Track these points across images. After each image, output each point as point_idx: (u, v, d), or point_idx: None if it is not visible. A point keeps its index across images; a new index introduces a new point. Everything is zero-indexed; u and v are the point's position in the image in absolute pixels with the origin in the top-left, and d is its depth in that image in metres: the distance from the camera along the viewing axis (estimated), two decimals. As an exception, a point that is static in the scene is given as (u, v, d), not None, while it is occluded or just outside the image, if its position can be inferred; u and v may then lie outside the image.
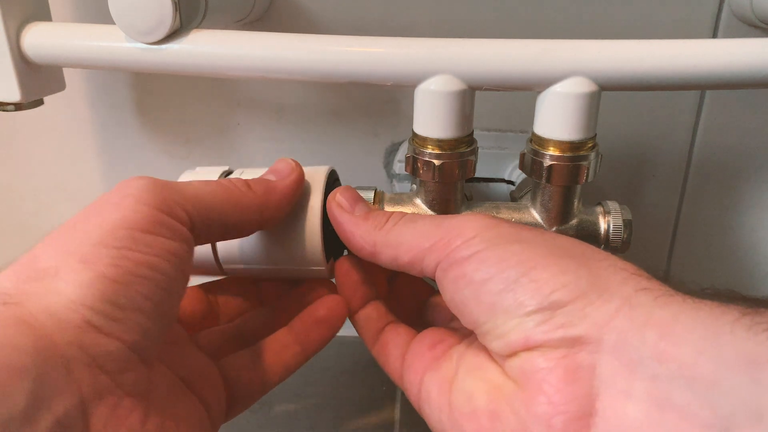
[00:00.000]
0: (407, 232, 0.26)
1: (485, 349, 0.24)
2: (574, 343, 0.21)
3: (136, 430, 0.20)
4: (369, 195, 0.32)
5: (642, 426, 0.19)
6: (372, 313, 0.31)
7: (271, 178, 0.29)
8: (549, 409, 0.20)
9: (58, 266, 0.21)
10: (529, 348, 0.21)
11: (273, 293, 0.33)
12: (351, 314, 0.31)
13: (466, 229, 0.24)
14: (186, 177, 0.32)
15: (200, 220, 0.24)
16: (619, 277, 0.22)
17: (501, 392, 0.22)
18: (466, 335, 0.27)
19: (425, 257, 0.25)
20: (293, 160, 0.30)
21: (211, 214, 0.25)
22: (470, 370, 0.24)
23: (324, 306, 0.30)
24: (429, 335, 0.28)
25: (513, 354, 0.22)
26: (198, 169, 0.33)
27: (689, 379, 0.18)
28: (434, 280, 0.26)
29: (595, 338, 0.20)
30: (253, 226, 0.28)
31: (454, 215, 0.27)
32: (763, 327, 0.17)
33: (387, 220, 0.27)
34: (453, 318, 0.31)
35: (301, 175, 0.29)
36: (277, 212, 0.28)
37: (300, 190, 0.29)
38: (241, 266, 0.31)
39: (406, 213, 0.28)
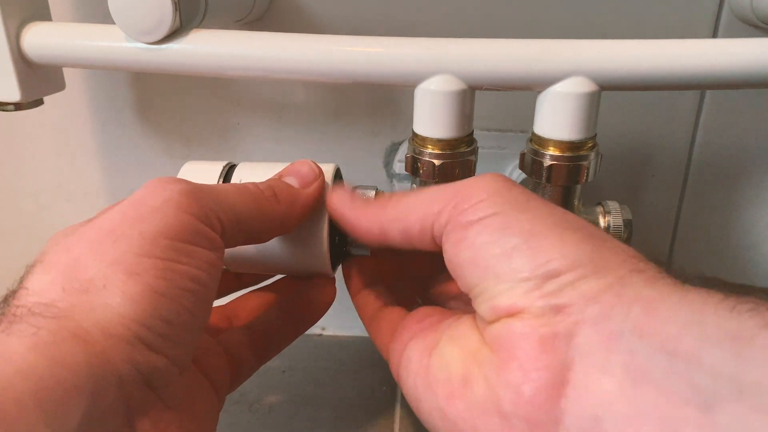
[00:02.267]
0: (414, 200, 0.26)
1: (472, 319, 0.24)
2: (556, 311, 0.20)
3: None
4: (370, 194, 0.32)
5: (615, 399, 0.18)
6: (370, 294, 0.31)
7: (294, 182, 0.28)
8: (520, 376, 0.20)
9: (105, 277, 0.20)
10: (511, 313, 0.21)
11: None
12: (352, 295, 0.32)
13: (477, 191, 0.24)
14: (187, 168, 0.31)
15: (230, 229, 0.24)
16: (619, 258, 0.21)
17: (475, 357, 0.22)
18: (457, 313, 0.27)
19: (435, 222, 0.24)
20: (314, 162, 0.29)
21: (241, 223, 0.25)
22: (452, 338, 0.24)
23: (314, 290, 0.31)
24: (422, 311, 0.28)
25: (496, 319, 0.22)
26: (197, 162, 0.32)
27: (670, 354, 0.18)
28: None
29: (578, 309, 0.20)
30: (273, 234, 0.27)
31: (464, 179, 0.25)
32: (748, 306, 0.17)
33: (389, 199, 0.27)
34: (454, 297, 0.31)
35: (323, 182, 0.29)
36: (299, 221, 0.28)
37: (320, 198, 0.29)
38: (245, 268, 0.31)
39: (409, 190, 0.28)
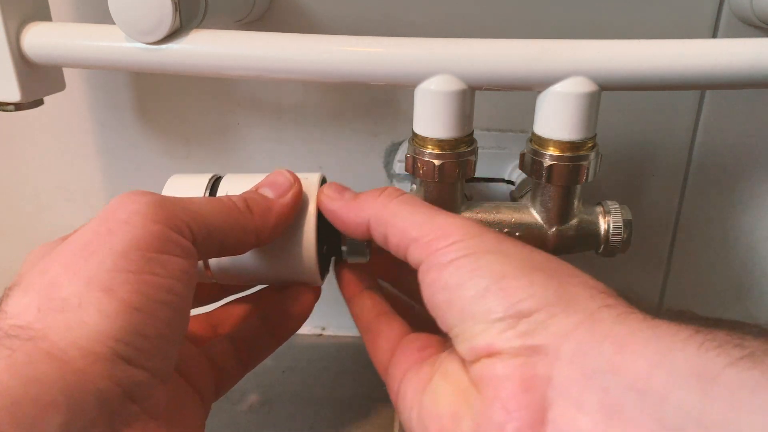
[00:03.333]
0: (402, 214, 0.26)
1: (459, 357, 0.25)
2: (533, 352, 0.21)
3: None
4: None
5: None
6: (367, 300, 0.31)
7: (269, 193, 0.28)
8: (503, 416, 0.21)
9: (80, 295, 0.20)
10: (490, 354, 0.22)
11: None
12: (347, 299, 0.32)
13: (452, 233, 0.25)
14: (172, 182, 0.31)
15: (201, 237, 0.24)
16: (587, 294, 0.22)
17: (463, 396, 0.23)
18: (451, 345, 0.27)
19: (409, 247, 0.25)
20: (290, 172, 0.29)
21: (212, 233, 0.25)
22: (444, 375, 0.25)
23: (294, 300, 0.31)
24: (421, 338, 0.29)
25: (477, 359, 0.23)
26: (181, 175, 0.32)
27: (641, 391, 0.18)
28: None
29: (554, 348, 0.21)
30: (249, 246, 0.27)
31: (446, 214, 0.26)
32: (714, 344, 0.18)
33: (381, 193, 0.27)
34: None
35: (300, 190, 0.29)
36: (275, 233, 0.28)
37: (298, 206, 0.29)
38: (234, 278, 0.31)
39: (404, 193, 0.28)
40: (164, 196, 0.24)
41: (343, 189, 0.29)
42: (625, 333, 0.20)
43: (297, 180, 0.29)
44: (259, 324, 0.31)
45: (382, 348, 0.30)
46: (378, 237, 0.27)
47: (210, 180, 0.30)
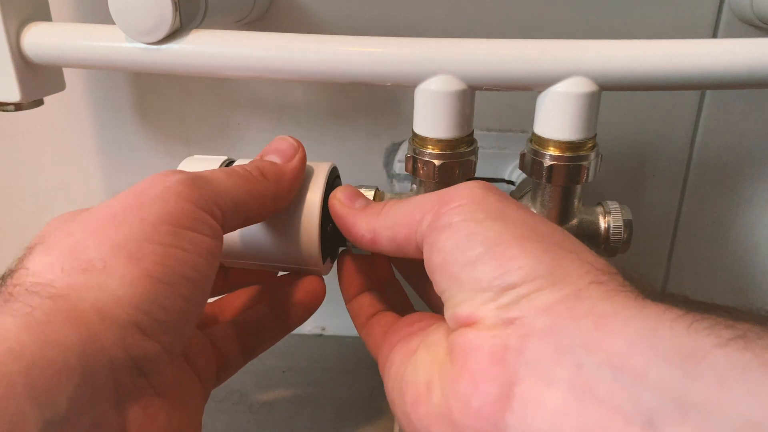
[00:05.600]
0: (402, 209, 0.26)
1: (447, 327, 0.24)
2: (508, 324, 0.20)
3: (164, 429, 0.21)
4: (369, 194, 0.32)
5: (558, 415, 0.18)
6: (364, 300, 0.31)
7: (276, 159, 0.28)
8: (470, 388, 0.20)
9: (105, 259, 0.20)
10: (469, 324, 0.21)
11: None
12: (346, 302, 0.32)
13: (455, 197, 0.24)
14: (186, 165, 0.31)
15: (229, 214, 0.24)
16: (581, 270, 0.21)
17: (439, 365, 0.22)
18: (441, 318, 0.27)
19: (417, 229, 0.25)
20: (293, 138, 0.29)
21: (238, 207, 0.25)
22: (427, 345, 0.24)
23: (303, 289, 0.31)
24: (415, 315, 0.28)
25: (456, 327, 0.22)
26: (197, 156, 0.32)
27: (616, 369, 0.17)
28: None
29: (530, 322, 0.20)
30: (267, 214, 0.28)
31: (448, 187, 0.26)
32: (704, 325, 0.17)
33: (384, 206, 0.27)
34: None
35: (304, 153, 0.29)
36: (289, 196, 0.28)
37: (304, 170, 0.29)
38: (238, 261, 0.31)
39: (404, 198, 0.28)
40: (195, 175, 0.24)
41: (354, 196, 0.29)
42: (608, 310, 0.19)
43: (299, 143, 0.29)
44: (265, 311, 0.31)
45: (375, 334, 0.30)
46: (386, 242, 0.27)
47: (223, 163, 0.31)
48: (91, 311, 0.19)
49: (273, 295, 0.32)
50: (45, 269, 0.20)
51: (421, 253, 0.25)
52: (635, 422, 0.16)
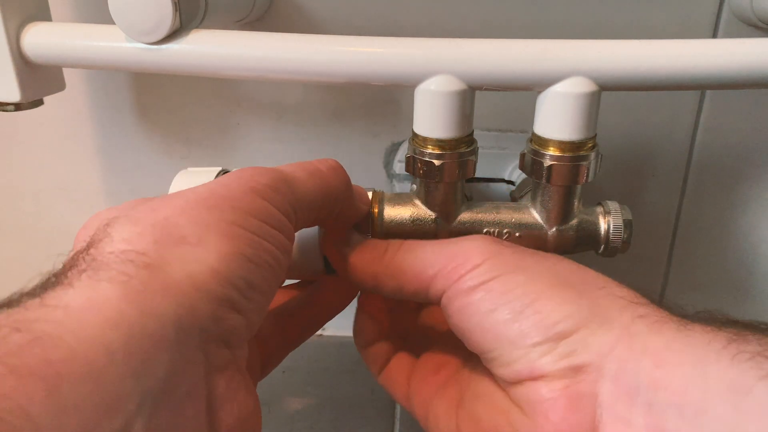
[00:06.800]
0: (409, 261, 0.27)
1: (489, 374, 0.25)
2: (576, 372, 0.22)
3: (244, 405, 0.21)
4: (368, 195, 0.32)
5: None
6: (380, 349, 0.32)
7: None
8: None
9: (199, 236, 0.20)
10: (534, 378, 0.22)
11: None
12: (361, 348, 0.32)
13: (472, 256, 0.25)
14: (179, 179, 0.31)
15: (300, 214, 0.25)
16: (618, 305, 0.23)
17: (507, 418, 0.23)
18: (468, 356, 0.27)
19: (430, 285, 0.26)
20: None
21: (312, 209, 0.25)
22: (477, 396, 0.25)
23: (339, 279, 0.31)
24: (432, 359, 0.29)
25: (519, 382, 0.23)
26: (191, 169, 0.32)
27: (680, 406, 0.19)
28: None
29: (597, 367, 0.21)
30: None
31: (456, 240, 0.27)
32: (747, 356, 0.18)
33: (386, 251, 0.28)
34: (446, 331, 0.31)
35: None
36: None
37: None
38: None
39: (404, 241, 0.28)
40: (279, 179, 0.24)
41: (349, 233, 0.29)
42: (661, 346, 0.20)
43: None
44: (305, 300, 0.31)
45: (398, 382, 0.30)
46: (389, 290, 0.27)
47: (218, 175, 0.31)
48: (187, 282, 0.19)
49: (312, 284, 0.32)
50: (135, 238, 0.20)
51: (429, 301, 0.26)
52: None
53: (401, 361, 0.31)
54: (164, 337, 0.17)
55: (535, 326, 0.22)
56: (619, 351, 0.21)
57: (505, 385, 0.24)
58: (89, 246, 0.20)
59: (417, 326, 0.34)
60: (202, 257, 0.20)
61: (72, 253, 0.20)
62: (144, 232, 0.20)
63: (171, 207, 0.21)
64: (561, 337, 0.22)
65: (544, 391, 0.22)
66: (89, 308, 0.17)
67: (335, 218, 0.28)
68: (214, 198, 0.22)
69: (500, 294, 0.24)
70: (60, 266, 0.19)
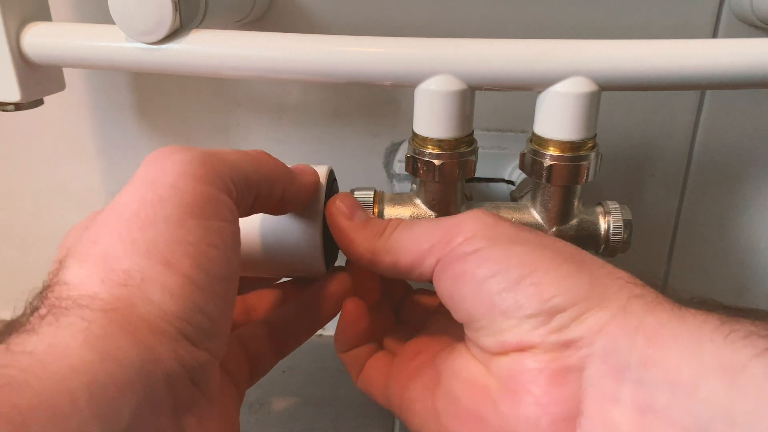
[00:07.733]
0: (406, 236, 0.26)
1: (468, 351, 0.24)
2: (566, 346, 0.21)
3: None
4: (368, 195, 0.32)
5: (625, 430, 0.19)
6: (359, 351, 0.31)
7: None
8: (536, 410, 0.21)
9: (142, 270, 0.19)
10: (521, 349, 0.22)
11: None
12: (340, 352, 0.31)
13: (467, 226, 0.24)
14: None
15: (241, 193, 0.23)
16: (616, 285, 0.22)
17: (485, 392, 0.23)
18: (447, 342, 0.27)
19: (425, 258, 0.25)
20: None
21: (249, 186, 0.24)
22: (454, 373, 0.24)
23: (333, 282, 0.30)
24: (409, 348, 0.29)
25: (503, 353, 0.22)
26: None
27: (671, 384, 0.19)
28: (430, 283, 0.26)
29: (588, 342, 0.21)
30: (275, 203, 0.26)
31: (453, 216, 0.26)
32: (741, 335, 0.18)
33: (385, 227, 0.27)
34: (428, 317, 0.31)
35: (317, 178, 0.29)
36: (299, 196, 0.27)
37: (314, 171, 0.28)
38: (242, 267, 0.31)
39: (403, 219, 0.28)
40: (205, 152, 0.23)
41: (354, 207, 0.29)
42: (655, 324, 0.20)
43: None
44: (296, 308, 0.31)
45: (375, 381, 0.29)
46: (385, 266, 0.27)
47: None
48: (142, 325, 0.19)
49: (302, 291, 0.31)
50: (84, 281, 0.19)
51: (422, 279, 0.26)
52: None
53: (378, 362, 0.30)
54: (129, 382, 0.17)
55: (530, 298, 0.22)
56: (612, 328, 0.21)
57: (487, 358, 0.23)
58: (47, 288, 0.20)
59: (396, 327, 0.33)
60: (149, 297, 0.19)
61: (33, 294, 0.20)
62: (90, 272, 0.20)
63: (108, 234, 0.20)
64: (556, 311, 0.21)
65: (528, 362, 0.21)
66: (52, 354, 0.17)
67: (282, 200, 0.26)
68: (145, 208, 0.20)
69: (496, 262, 0.23)
70: (23, 308, 0.19)
